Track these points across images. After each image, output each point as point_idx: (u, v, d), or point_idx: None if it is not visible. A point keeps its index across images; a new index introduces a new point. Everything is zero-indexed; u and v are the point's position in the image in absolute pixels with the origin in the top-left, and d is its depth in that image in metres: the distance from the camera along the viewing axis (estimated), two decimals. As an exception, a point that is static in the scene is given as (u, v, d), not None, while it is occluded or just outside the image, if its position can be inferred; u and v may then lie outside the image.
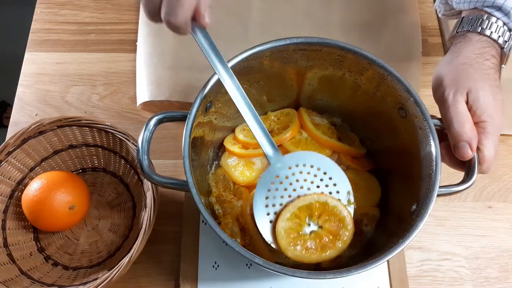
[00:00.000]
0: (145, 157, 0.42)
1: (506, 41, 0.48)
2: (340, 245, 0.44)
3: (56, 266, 0.54)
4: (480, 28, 0.48)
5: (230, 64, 0.44)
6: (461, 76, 0.45)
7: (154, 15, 0.38)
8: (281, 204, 0.44)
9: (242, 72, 0.46)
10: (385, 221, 0.52)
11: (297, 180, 0.45)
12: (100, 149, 0.59)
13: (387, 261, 0.51)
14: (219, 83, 0.42)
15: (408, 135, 0.47)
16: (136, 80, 0.65)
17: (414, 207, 0.44)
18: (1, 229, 0.53)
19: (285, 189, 0.45)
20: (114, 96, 0.66)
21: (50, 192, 0.52)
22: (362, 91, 0.51)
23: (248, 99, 0.43)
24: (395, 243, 0.39)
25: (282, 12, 0.69)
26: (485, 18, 0.48)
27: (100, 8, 0.72)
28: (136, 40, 0.68)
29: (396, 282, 0.53)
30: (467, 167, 0.44)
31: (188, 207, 0.57)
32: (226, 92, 0.42)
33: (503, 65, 0.49)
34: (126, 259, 0.46)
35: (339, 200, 0.45)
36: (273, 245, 0.44)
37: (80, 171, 0.60)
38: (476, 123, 0.44)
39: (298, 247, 0.43)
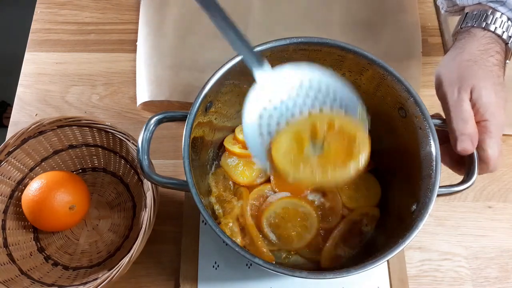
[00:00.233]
0: (145, 157, 0.42)
1: (510, 37, 0.48)
2: (353, 165, 0.37)
3: (56, 266, 0.54)
4: (485, 23, 0.48)
5: (230, 64, 0.44)
6: (465, 73, 0.45)
7: None
8: (277, 132, 0.39)
9: (242, 72, 0.46)
10: (385, 221, 0.52)
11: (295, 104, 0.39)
12: (100, 149, 0.59)
13: (387, 261, 0.51)
14: (219, 83, 0.42)
15: (408, 135, 0.47)
16: (136, 80, 0.65)
17: (414, 207, 0.44)
18: (1, 229, 0.53)
19: (281, 115, 0.39)
20: (114, 96, 0.66)
21: (50, 192, 0.52)
22: (362, 91, 0.50)
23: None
24: (395, 243, 0.39)
25: (282, 12, 0.69)
26: (489, 13, 0.48)
27: (100, 8, 0.72)
28: (136, 40, 0.68)
29: (396, 282, 0.53)
30: (467, 167, 0.44)
31: (188, 207, 0.57)
32: (226, 92, 0.42)
33: (507, 61, 0.49)
34: (126, 259, 0.46)
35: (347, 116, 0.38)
36: (268, 171, 0.40)
37: (80, 171, 0.60)
38: (478, 122, 0.44)
39: (300, 168, 0.37)
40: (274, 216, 0.51)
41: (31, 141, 0.55)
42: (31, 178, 0.56)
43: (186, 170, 0.41)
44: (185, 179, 0.41)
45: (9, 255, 0.52)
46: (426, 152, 0.44)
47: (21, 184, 0.56)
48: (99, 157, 0.60)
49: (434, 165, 0.42)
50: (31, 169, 0.57)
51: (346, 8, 0.69)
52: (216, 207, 0.52)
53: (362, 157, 0.38)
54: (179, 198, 0.58)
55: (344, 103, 0.41)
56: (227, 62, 0.45)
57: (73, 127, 0.56)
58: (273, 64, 0.48)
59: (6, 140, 0.54)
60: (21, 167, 0.56)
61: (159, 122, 0.43)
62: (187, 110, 0.43)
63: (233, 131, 0.57)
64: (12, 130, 0.63)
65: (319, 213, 0.52)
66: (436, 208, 0.54)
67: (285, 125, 0.40)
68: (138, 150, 0.42)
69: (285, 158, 0.38)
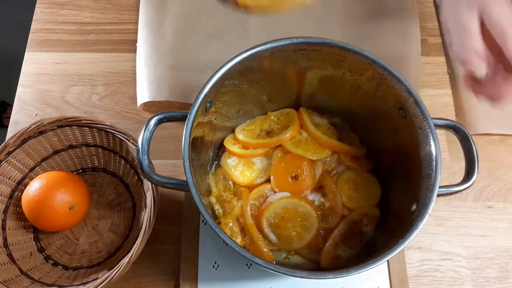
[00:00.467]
0: (145, 157, 0.42)
1: None
2: None
3: (56, 266, 0.54)
4: None
5: (230, 64, 0.44)
6: None
7: None
8: None
9: (242, 72, 0.46)
10: (385, 221, 0.52)
11: None
12: (100, 149, 0.59)
13: (387, 261, 0.51)
14: (219, 83, 0.42)
15: (408, 135, 0.47)
16: (136, 80, 0.65)
17: (414, 207, 0.44)
18: (1, 229, 0.53)
19: None
20: (114, 96, 0.66)
21: (50, 192, 0.52)
22: (362, 91, 0.51)
23: None
24: (395, 243, 0.39)
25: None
26: None
27: (100, 8, 0.72)
28: (136, 40, 0.68)
29: (396, 282, 0.53)
30: (467, 167, 0.44)
31: (188, 207, 0.57)
32: (226, 92, 0.42)
33: None
34: (126, 259, 0.46)
35: None
36: None
37: (80, 171, 0.60)
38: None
39: None
40: (274, 216, 0.51)
41: (31, 141, 0.55)
42: (31, 178, 0.56)
43: (186, 170, 0.41)
44: (185, 179, 0.41)
45: (9, 255, 0.52)
46: (426, 152, 0.44)
47: (21, 184, 0.56)
48: (99, 157, 0.60)
49: (434, 165, 0.42)
50: (31, 169, 0.57)
51: (346, 8, 0.69)
52: (216, 207, 0.52)
53: None
54: (179, 198, 0.58)
55: None
56: (227, 62, 0.45)
57: (73, 127, 0.56)
58: (273, 64, 0.48)
59: (6, 140, 0.54)
60: (21, 167, 0.56)
61: (159, 122, 0.43)
62: (187, 110, 0.43)
63: (233, 131, 0.57)
64: (12, 130, 0.63)
65: (319, 213, 0.52)
66: (436, 208, 0.54)
67: None
68: (138, 150, 0.42)
69: None
